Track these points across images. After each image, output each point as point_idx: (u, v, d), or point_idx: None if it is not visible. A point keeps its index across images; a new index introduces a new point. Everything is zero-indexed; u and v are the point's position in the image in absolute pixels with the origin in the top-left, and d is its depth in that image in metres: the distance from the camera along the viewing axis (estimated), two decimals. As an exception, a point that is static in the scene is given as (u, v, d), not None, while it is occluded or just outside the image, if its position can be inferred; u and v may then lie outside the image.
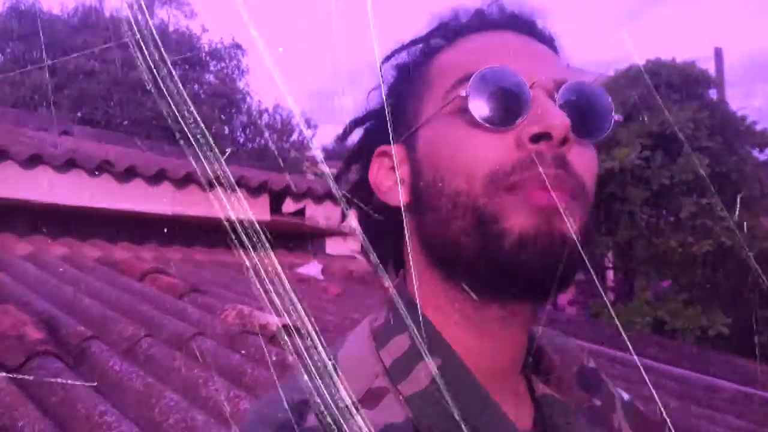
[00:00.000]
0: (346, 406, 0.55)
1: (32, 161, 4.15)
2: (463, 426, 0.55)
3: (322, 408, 0.54)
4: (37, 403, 1.81)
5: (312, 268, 4.62)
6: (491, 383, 0.59)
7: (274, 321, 2.86)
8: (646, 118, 6.81)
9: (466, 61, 0.60)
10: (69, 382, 1.94)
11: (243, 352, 2.51)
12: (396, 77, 0.67)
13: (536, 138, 0.55)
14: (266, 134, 16.92)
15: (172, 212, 4.65)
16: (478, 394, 0.57)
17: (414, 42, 0.67)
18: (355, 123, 0.71)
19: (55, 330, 2.40)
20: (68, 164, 4.26)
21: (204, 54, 16.44)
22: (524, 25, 0.65)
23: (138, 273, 3.67)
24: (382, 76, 0.68)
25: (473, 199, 0.56)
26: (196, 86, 16.08)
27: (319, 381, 0.56)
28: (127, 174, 4.45)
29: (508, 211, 0.55)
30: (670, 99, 7.16)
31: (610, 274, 8.05)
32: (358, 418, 0.54)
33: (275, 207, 5.36)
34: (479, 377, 0.58)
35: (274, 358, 2.40)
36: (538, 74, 0.59)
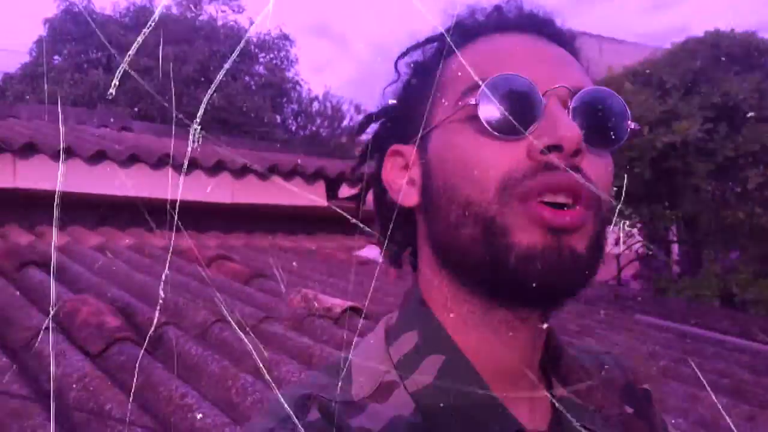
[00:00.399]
0: (354, 401, 0.56)
1: (97, 157, 4.29)
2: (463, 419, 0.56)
3: (325, 403, 0.55)
4: (121, 387, 1.88)
5: (371, 251, 4.65)
6: (501, 383, 0.59)
7: (338, 303, 2.90)
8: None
9: (479, 67, 0.58)
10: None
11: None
12: (410, 76, 0.66)
13: (547, 150, 0.54)
14: (318, 121, 17.04)
15: (232, 200, 4.74)
16: (481, 391, 0.57)
17: (429, 40, 0.66)
18: (369, 119, 0.71)
19: (131, 317, 2.49)
20: (131, 159, 4.39)
21: (253, 46, 16.59)
22: (541, 27, 0.63)
23: (204, 260, 3.76)
24: (397, 73, 0.67)
25: (484, 209, 0.55)
26: (246, 78, 16.29)
27: (331, 377, 0.58)
28: (189, 165, 4.55)
29: (518, 225, 0.54)
30: (731, 70, 6.92)
31: (675, 248, 7.86)
32: (362, 414, 0.55)
33: (331, 193, 5.42)
34: (487, 376, 0.58)
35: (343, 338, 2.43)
36: (552, 81, 0.57)
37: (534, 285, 0.53)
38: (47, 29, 15.82)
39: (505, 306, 0.57)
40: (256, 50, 16.98)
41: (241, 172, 4.80)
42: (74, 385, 1.84)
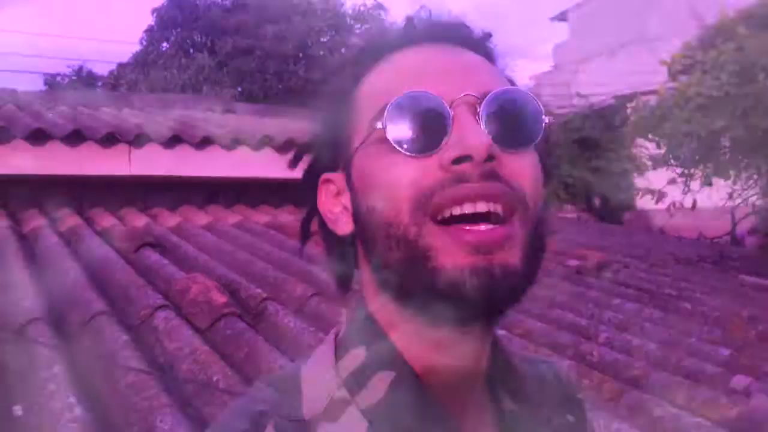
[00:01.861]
0: (306, 420, 0.57)
1: (204, 143, 4.54)
2: None
3: (280, 422, 0.55)
4: (227, 359, 2.05)
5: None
6: (449, 397, 0.59)
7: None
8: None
9: (386, 88, 0.59)
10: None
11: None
12: (332, 102, 0.66)
13: (458, 161, 0.54)
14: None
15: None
16: (430, 407, 0.57)
17: (345, 64, 0.67)
18: (300, 152, 0.71)
19: (235, 293, 2.67)
20: (234, 142, 4.61)
21: (348, 18, 16.75)
22: (449, 34, 0.63)
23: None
24: (321, 101, 0.68)
25: (403, 231, 0.55)
26: (343, 50, 16.50)
27: (281, 393, 0.59)
28: (286, 145, 4.73)
29: (440, 248, 0.54)
30: None
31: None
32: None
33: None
34: (436, 391, 0.59)
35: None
36: (458, 90, 0.57)
37: (467, 304, 0.53)
38: (155, 18, 16.62)
39: (445, 324, 0.57)
40: (352, 22, 17.12)
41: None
42: (186, 359, 2.02)
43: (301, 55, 15.25)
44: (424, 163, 0.55)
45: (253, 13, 15.10)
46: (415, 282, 0.55)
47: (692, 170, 6.71)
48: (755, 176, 7.04)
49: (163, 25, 16.31)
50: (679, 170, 6.80)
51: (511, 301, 0.56)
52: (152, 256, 3.19)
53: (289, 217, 4.58)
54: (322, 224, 0.67)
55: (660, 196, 7.06)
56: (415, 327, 0.58)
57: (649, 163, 7.10)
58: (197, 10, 16.03)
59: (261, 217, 4.54)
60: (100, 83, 16.42)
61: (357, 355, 0.59)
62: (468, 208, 0.54)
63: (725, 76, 6.06)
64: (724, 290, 3.26)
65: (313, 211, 0.69)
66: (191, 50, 15.81)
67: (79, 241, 3.43)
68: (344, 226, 0.63)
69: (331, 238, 0.67)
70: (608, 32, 16.96)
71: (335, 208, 0.64)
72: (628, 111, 8.95)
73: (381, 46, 0.64)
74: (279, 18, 15.16)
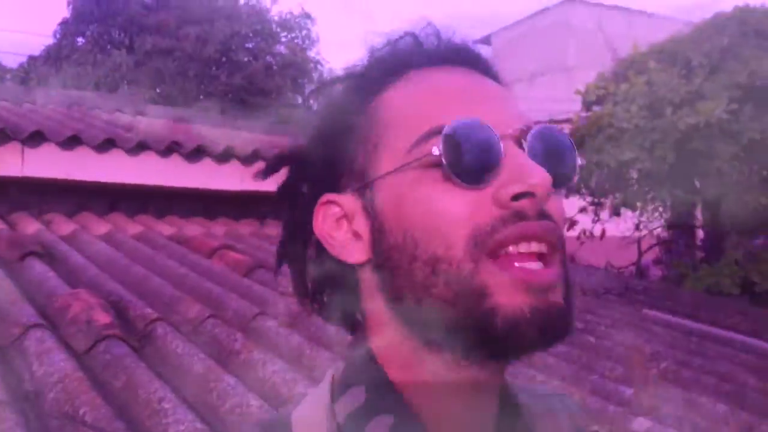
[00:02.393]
0: None
1: (106, 145, 4.28)
2: None
3: None
4: (100, 389, 1.86)
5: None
6: None
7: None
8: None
9: (429, 110, 0.55)
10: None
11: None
12: (333, 116, 0.60)
13: (517, 197, 0.52)
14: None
15: (242, 188, 4.71)
16: None
17: (350, 76, 0.62)
18: (281, 161, 0.65)
19: (122, 313, 2.47)
20: (139, 147, 4.37)
21: (274, 25, 16.52)
22: (472, 60, 0.61)
23: (207, 250, 3.74)
24: (315, 112, 0.64)
25: (456, 268, 0.52)
26: (268, 57, 16.25)
27: None
28: (196, 153, 4.52)
29: (498, 287, 0.51)
30: (761, 48, 6.68)
31: (700, 233, 7.69)
32: None
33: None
34: None
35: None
36: (506, 122, 0.55)
37: (522, 344, 0.51)
38: (71, 11, 15.92)
39: (477, 363, 0.54)
40: (278, 29, 16.92)
41: (251, 158, 4.76)
42: (54, 387, 1.83)
43: (224, 59, 14.92)
44: (477, 195, 0.53)
45: (175, 13, 14.66)
46: (462, 320, 0.52)
47: (602, 199, 6.88)
48: (660, 208, 7.29)
49: (79, 18, 15.62)
50: (589, 199, 6.95)
51: (560, 340, 0.54)
52: (37, 267, 2.94)
53: (197, 229, 4.36)
54: (315, 248, 0.61)
55: (571, 224, 7.20)
56: (432, 369, 0.55)
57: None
58: (116, 5, 15.42)
59: (165, 228, 4.30)
60: (8, 76, 15.55)
61: (355, 397, 0.56)
62: (524, 248, 0.52)
63: (635, 108, 6.25)
64: (629, 324, 3.29)
65: (298, 233, 0.63)
66: (108, 47, 15.18)
67: (-45, 246, 3.14)
68: (356, 255, 0.57)
69: (326, 265, 0.60)
70: (530, 59, 17.42)
71: (337, 232, 0.59)
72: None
73: (398, 62, 0.60)
74: (202, 19, 14.79)
